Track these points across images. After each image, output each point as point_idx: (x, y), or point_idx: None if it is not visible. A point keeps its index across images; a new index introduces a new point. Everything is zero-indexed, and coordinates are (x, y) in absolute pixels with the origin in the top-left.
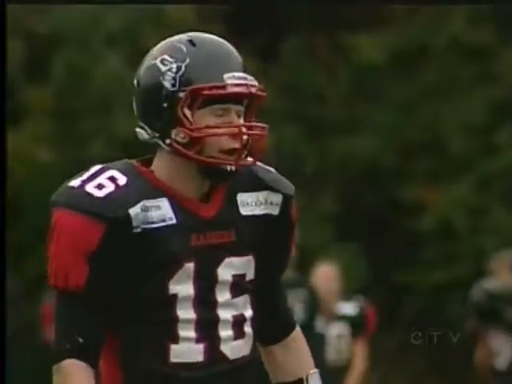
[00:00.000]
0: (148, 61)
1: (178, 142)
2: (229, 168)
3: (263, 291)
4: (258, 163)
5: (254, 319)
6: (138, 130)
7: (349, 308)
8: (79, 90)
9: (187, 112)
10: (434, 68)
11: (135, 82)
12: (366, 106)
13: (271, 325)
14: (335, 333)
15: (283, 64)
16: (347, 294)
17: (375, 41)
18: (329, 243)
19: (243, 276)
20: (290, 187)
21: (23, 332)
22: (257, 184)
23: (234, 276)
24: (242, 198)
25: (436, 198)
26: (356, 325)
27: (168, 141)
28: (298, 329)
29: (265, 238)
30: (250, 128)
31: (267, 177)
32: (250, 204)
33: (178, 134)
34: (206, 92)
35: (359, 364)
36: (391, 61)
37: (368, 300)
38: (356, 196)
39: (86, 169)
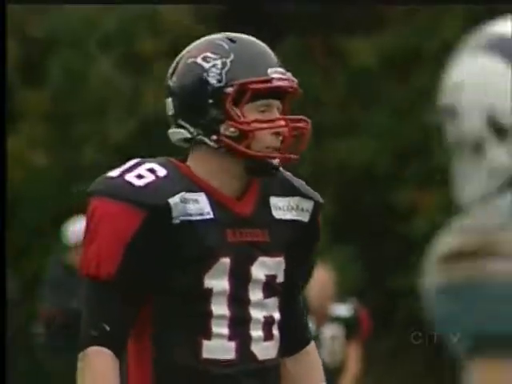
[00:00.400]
0: (184, 60)
1: (227, 137)
2: (275, 162)
3: (287, 298)
4: (287, 172)
5: (279, 323)
6: (174, 129)
7: (343, 310)
8: (75, 93)
9: (235, 106)
10: (428, 71)
11: (170, 82)
12: (362, 109)
13: (289, 336)
14: (329, 334)
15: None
16: (341, 296)
17: (371, 44)
18: (324, 246)
19: (275, 277)
20: (318, 195)
21: (23, 332)
22: (288, 190)
23: (266, 276)
24: (273, 201)
25: (430, 201)
26: (350, 326)
27: (214, 137)
28: (312, 343)
29: (294, 243)
30: (294, 122)
31: (298, 184)
32: (282, 208)
33: (228, 129)
34: (253, 86)
35: (353, 367)
36: (386, 64)
37: (363, 303)
38: (351, 199)
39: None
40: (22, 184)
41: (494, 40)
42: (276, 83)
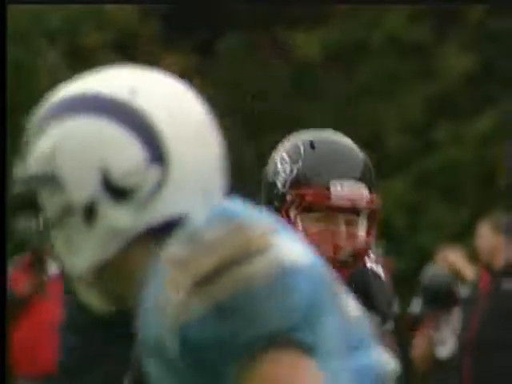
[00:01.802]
0: (276, 153)
1: None
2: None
3: None
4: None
5: None
6: None
7: None
8: (21, 86)
9: (292, 214)
10: (372, 65)
11: (265, 172)
12: (306, 103)
13: None
14: None
15: (222, 60)
16: None
17: (314, 38)
18: None
19: None
20: (388, 304)
21: None
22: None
23: None
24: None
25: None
26: None
27: None
28: None
29: None
30: (352, 237)
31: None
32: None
33: None
34: (308, 198)
35: None
36: (329, 58)
37: None
38: None
39: None
40: None
41: (79, 101)
42: (334, 201)
